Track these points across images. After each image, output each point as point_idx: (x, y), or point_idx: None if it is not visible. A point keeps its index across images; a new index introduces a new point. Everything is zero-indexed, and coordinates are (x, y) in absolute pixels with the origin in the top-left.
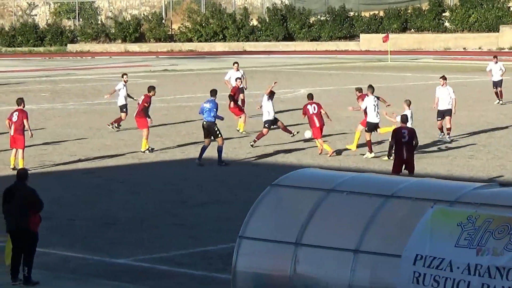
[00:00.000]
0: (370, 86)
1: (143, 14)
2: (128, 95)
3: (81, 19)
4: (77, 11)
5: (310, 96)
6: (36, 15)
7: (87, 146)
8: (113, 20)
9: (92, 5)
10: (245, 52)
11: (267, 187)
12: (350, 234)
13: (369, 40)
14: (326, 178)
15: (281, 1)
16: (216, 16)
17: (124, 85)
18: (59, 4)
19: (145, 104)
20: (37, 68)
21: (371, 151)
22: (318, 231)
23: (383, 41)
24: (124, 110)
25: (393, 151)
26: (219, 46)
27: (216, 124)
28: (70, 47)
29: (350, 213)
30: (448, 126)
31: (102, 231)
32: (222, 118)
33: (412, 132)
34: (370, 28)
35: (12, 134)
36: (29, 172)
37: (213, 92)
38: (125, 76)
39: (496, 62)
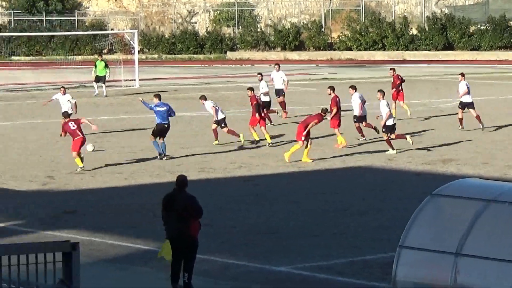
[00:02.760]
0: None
1: (303, 22)
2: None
3: (240, 27)
4: (236, 18)
5: None
6: (196, 22)
7: (247, 153)
8: (273, 28)
9: (252, 12)
10: (404, 61)
11: (427, 197)
12: None
13: None
14: (487, 188)
15: (441, 10)
16: (375, 25)
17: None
18: (218, 11)
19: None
20: (197, 76)
21: None
22: (479, 241)
23: None
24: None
25: None
26: (378, 55)
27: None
28: (230, 54)
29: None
30: None
31: (263, 239)
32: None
33: None
34: None
35: None
36: (188, 179)
37: (159, 96)
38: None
39: None
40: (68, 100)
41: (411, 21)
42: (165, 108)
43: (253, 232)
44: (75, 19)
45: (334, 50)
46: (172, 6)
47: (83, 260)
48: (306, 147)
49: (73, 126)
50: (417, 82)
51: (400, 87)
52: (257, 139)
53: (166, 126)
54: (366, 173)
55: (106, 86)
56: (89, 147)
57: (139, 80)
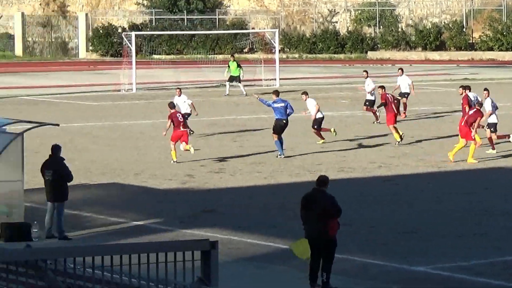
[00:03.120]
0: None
1: (444, 22)
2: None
3: (381, 27)
4: (377, 18)
5: None
6: (336, 22)
7: (386, 153)
8: (414, 28)
9: (393, 12)
10: None
11: None
12: None
13: None
14: None
15: None
16: None
17: None
18: (359, 11)
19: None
20: (338, 75)
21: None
22: None
23: None
24: None
25: None
26: None
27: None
28: (371, 54)
29: None
30: None
31: (402, 238)
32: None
33: None
34: None
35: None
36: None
37: (277, 93)
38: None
39: None
40: (184, 101)
41: None
42: (283, 104)
43: (392, 232)
44: (216, 18)
45: (475, 50)
46: (313, 6)
47: (221, 258)
48: (469, 146)
49: (181, 118)
50: None
51: None
52: (398, 139)
53: (284, 122)
54: (508, 174)
55: (244, 86)
56: (185, 146)
57: (280, 79)
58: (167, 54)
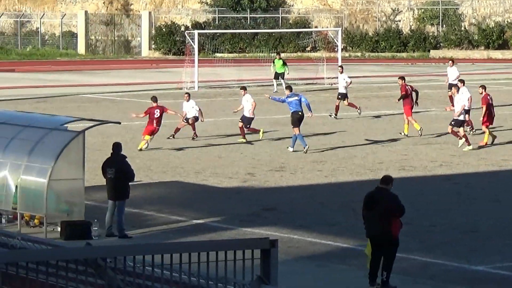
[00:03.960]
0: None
1: (507, 21)
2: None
3: (444, 25)
4: (440, 17)
5: None
6: (399, 20)
7: (447, 152)
8: (477, 26)
9: (456, 11)
10: None
11: None
12: None
13: None
14: None
15: None
16: None
17: None
18: (423, 10)
19: None
20: (400, 74)
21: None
22: None
23: None
24: None
25: None
26: None
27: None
28: (433, 53)
29: None
30: None
31: (463, 238)
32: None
33: None
34: None
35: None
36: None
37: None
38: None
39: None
40: (193, 107)
41: None
42: (297, 98)
43: (453, 231)
44: (279, 17)
45: None
46: (376, 4)
47: (281, 257)
48: None
49: (157, 114)
50: None
51: None
52: (418, 128)
53: (300, 113)
54: None
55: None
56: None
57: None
58: (230, 53)
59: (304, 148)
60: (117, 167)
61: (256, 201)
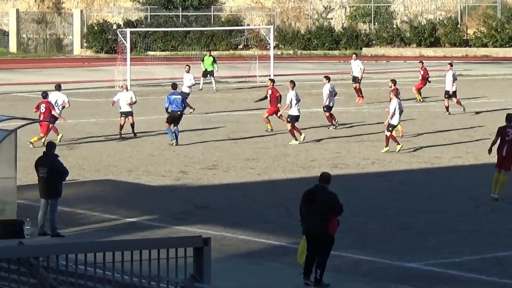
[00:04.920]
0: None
1: (439, 19)
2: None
3: (376, 23)
4: (372, 15)
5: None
6: (331, 18)
7: (379, 149)
8: (409, 24)
9: (388, 9)
10: None
11: None
12: None
13: None
14: None
15: None
16: (511, 21)
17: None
18: (354, 8)
19: None
20: (332, 72)
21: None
22: None
23: None
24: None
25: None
26: None
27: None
28: (365, 50)
29: None
30: None
31: (395, 235)
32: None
33: None
34: None
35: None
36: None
37: (175, 86)
38: None
39: None
40: (131, 97)
41: None
42: (179, 97)
43: (386, 228)
44: (211, 15)
45: (470, 46)
46: (308, 2)
47: (214, 255)
48: None
49: (43, 109)
50: None
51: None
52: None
53: (179, 113)
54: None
55: (216, 82)
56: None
57: (274, 75)
58: (162, 51)
59: (171, 141)
60: (50, 166)
61: (189, 199)
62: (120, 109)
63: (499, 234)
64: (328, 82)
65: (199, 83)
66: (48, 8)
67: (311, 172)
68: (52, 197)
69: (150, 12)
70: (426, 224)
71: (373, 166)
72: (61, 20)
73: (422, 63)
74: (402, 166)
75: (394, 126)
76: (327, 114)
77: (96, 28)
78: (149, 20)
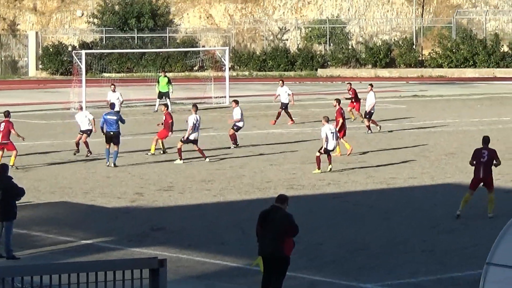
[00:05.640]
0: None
1: (394, 40)
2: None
3: (331, 44)
4: (328, 36)
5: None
6: (287, 39)
7: (335, 170)
8: (364, 45)
9: (343, 30)
10: (495, 79)
11: None
12: None
13: None
14: None
15: None
16: (466, 42)
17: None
18: (310, 29)
19: None
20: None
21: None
22: None
23: None
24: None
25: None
26: (469, 72)
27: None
28: (321, 71)
29: None
30: None
31: (351, 256)
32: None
33: (492, 153)
34: None
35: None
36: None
37: (112, 105)
38: None
39: None
40: (86, 116)
41: (503, 38)
42: (114, 117)
43: (342, 249)
44: (166, 36)
45: (425, 67)
46: (263, 23)
47: (170, 277)
48: None
49: (2, 128)
50: (507, 99)
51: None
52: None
53: (112, 133)
54: (455, 190)
55: (172, 103)
56: None
57: (230, 96)
58: (117, 73)
59: (107, 163)
60: (4, 188)
61: (144, 221)
62: (81, 128)
63: (455, 254)
64: (237, 105)
65: (155, 105)
66: (3, 30)
67: (267, 193)
68: (7, 219)
69: (105, 33)
70: (382, 245)
71: (328, 187)
72: (16, 42)
73: (350, 84)
74: (358, 186)
75: (329, 151)
76: (232, 133)
77: (51, 49)
78: (104, 42)
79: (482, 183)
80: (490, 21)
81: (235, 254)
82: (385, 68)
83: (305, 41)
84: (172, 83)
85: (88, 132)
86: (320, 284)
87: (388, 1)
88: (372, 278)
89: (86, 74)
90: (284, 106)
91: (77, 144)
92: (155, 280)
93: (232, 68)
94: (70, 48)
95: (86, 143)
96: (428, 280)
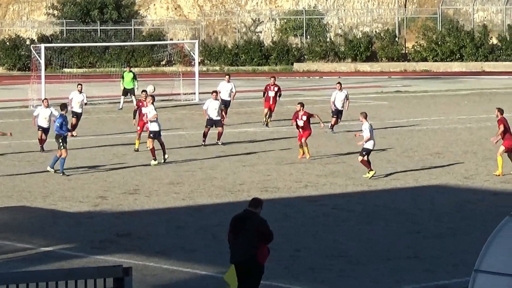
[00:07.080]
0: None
1: (375, 32)
2: None
3: (308, 37)
4: (304, 28)
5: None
6: (261, 32)
7: (313, 172)
8: (343, 37)
9: (321, 21)
10: (483, 73)
11: (506, 218)
12: None
13: None
14: None
15: None
16: (453, 34)
17: None
18: (285, 20)
19: None
20: (262, 89)
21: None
22: None
23: None
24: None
25: None
26: (455, 66)
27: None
28: (297, 66)
29: None
30: None
31: (330, 263)
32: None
33: None
34: None
35: None
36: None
37: (63, 106)
38: None
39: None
40: (51, 113)
41: (491, 30)
42: (59, 120)
43: (320, 255)
44: (131, 29)
45: (409, 61)
46: (235, 15)
47: (136, 286)
48: None
49: None
50: (497, 95)
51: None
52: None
53: (62, 136)
54: (440, 192)
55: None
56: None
57: (199, 93)
58: (79, 68)
59: (51, 168)
60: None
61: (109, 227)
62: (39, 124)
63: (440, 260)
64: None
65: (120, 102)
66: None
67: (239, 196)
68: None
69: (66, 26)
70: (364, 251)
71: (306, 190)
72: None
73: (275, 78)
74: (337, 189)
75: (370, 151)
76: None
77: (8, 43)
78: (65, 35)
79: None
80: (478, 11)
81: (205, 261)
82: (366, 62)
83: (280, 34)
84: (138, 79)
85: (47, 130)
86: None
87: None
88: (353, 286)
89: (45, 70)
90: (227, 104)
91: (40, 141)
92: None
93: (202, 62)
94: (28, 42)
95: (42, 140)
96: None
